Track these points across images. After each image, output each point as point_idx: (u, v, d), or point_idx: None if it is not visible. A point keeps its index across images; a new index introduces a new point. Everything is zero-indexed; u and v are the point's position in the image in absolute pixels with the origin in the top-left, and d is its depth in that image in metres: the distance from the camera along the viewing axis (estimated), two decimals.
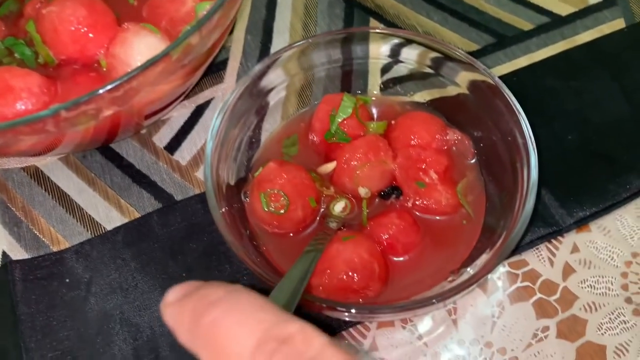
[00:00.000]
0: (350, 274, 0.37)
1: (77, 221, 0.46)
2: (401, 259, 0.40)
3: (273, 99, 0.46)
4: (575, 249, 0.44)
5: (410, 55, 0.45)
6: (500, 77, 0.42)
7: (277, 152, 0.45)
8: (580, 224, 0.44)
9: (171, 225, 0.45)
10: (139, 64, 0.40)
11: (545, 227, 0.43)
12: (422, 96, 0.47)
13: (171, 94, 0.44)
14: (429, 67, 0.45)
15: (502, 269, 0.43)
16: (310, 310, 0.36)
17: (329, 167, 0.43)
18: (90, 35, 0.43)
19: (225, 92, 0.51)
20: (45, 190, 0.47)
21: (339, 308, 0.34)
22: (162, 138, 0.49)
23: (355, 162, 0.41)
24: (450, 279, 0.39)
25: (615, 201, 0.44)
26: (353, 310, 0.34)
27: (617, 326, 0.41)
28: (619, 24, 0.53)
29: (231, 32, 0.54)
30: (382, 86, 0.48)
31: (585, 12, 0.54)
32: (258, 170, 0.42)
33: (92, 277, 0.43)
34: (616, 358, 0.40)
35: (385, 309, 0.36)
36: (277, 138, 0.46)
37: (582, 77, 0.50)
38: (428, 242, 0.41)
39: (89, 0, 0.44)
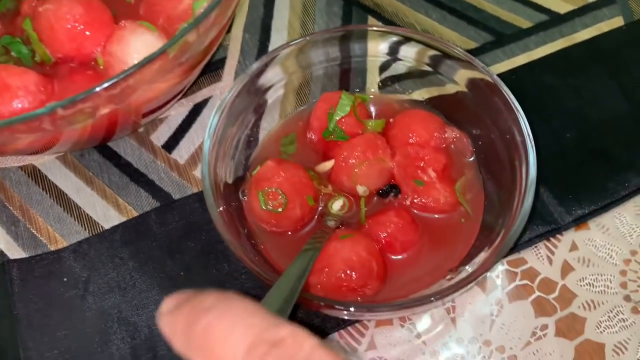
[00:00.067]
0: (348, 272, 0.37)
1: (74, 220, 0.46)
2: (399, 257, 0.40)
3: (271, 97, 0.46)
4: (574, 247, 0.44)
5: (409, 53, 0.45)
6: (499, 75, 0.41)
7: (275, 151, 0.45)
8: (579, 222, 0.44)
9: (169, 223, 0.45)
10: (136, 61, 0.40)
11: (544, 225, 0.43)
12: (420, 94, 0.47)
13: (168, 92, 0.44)
14: (428, 65, 0.45)
15: (500, 267, 0.43)
16: (309, 308, 0.36)
17: (327, 165, 0.43)
18: (87, 33, 0.43)
19: (223, 91, 0.51)
20: (42, 189, 0.47)
21: (337, 306, 0.34)
22: (159, 136, 0.49)
23: (354, 161, 0.41)
24: (448, 277, 0.39)
25: (614, 199, 0.44)
26: (351, 309, 0.34)
27: (616, 324, 0.41)
28: (617, 22, 0.53)
29: (229, 30, 0.54)
30: (380, 84, 0.48)
31: (583, 10, 0.54)
32: (256, 168, 0.42)
33: (90, 276, 0.43)
34: (615, 356, 0.40)
35: (384, 307, 0.35)
36: (275, 136, 0.46)
37: (580, 75, 0.50)
38: (426, 240, 0.40)
39: None
